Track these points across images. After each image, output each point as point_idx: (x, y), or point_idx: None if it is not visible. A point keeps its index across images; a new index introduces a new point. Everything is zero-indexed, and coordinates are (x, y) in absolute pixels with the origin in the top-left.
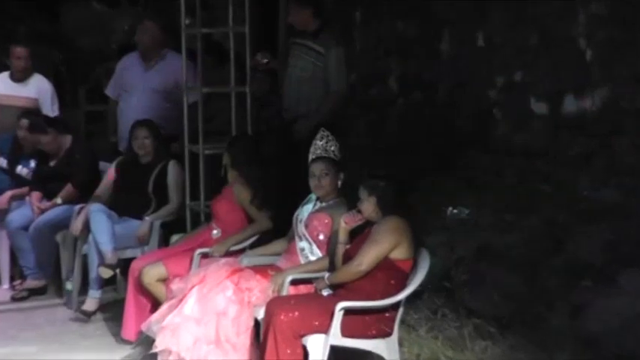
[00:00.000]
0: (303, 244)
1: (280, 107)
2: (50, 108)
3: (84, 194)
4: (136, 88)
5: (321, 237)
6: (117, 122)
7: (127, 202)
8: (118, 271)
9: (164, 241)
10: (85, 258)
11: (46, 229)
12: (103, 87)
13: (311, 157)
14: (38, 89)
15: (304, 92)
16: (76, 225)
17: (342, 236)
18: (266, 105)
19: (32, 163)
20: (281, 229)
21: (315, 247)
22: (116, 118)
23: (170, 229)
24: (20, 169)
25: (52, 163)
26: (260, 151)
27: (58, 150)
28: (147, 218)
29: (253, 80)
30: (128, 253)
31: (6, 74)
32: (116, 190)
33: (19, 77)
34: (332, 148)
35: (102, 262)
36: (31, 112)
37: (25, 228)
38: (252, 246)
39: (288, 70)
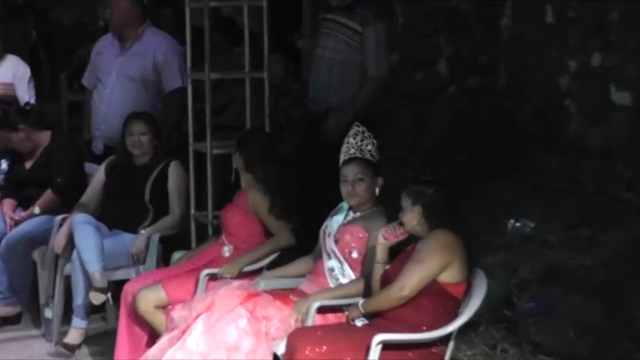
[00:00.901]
0: (332, 263)
1: (302, 96)
2: (27, 92)
3: (67, 202)
4: (109, 76)
5: (355, 255)
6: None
7: (118, 212)
8: (109, 295)
9: (164, 260)
10: (67, 280)
11: (20, 244)
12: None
13: (343, 157)
14: (14, 72)
15: (336, 79)
16: (58, 240)
17: (381, 254)
18: (284, 94)
19: (3, 165)
20: (305, 244)
21: (346, 266)
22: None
23: (171, 244)
24: None
25: (27, 165)
26: (278, 149)
27: (33, 149)
28: (143, 232)
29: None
30: (120, 275)
31: None
32: (106, 198)
33: None
34: (368, 147)
35: (89, 285)
36: (3, 102)
37: None
38: (271, 266)
39: (317, 52)
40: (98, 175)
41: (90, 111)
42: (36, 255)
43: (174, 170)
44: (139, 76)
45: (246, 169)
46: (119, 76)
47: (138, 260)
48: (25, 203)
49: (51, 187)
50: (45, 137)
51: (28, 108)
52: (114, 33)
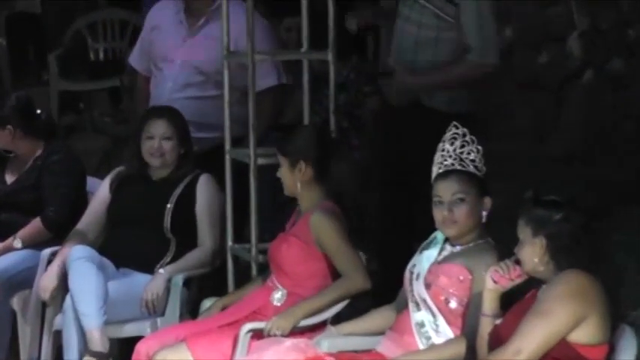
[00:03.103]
0: (421, 315)
1: (357, 86)
2: None
3: (59, 233)
4: (172, 65)
5: (453, 304)
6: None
7: (128, 244)
8: None
9: (190, 310)
10: (58, 336)
11: None
12: (89, 51)
13: (436, 170)
14: None
15: (423, 62)
16: (45, 282)
17: (489, 304)
18: (341, 88)
19: None
20: (385, 290)
21: (441, 320)
22: (146, 106)
23: (200, 288)
24: None
25: (8, 179)
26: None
27: (19, 160)
28: (161, 271)
29: None
30: (130, 330)
31: None
32: (111, 224)
33: None
34: (471, 157)
35: (84, 347)
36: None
37: None
38: (338, 319)
39: (398, 26)
40: (101, 192)
41: (143, 99)
42: (15, 302)
43: (204, 187)
44: (213, 68)
45: (319, 176)
46: (185, 67)
47: (154, 310)
48: (1, 232)
49: (40, 217)
50: (36, 147)
51: (21, 104)
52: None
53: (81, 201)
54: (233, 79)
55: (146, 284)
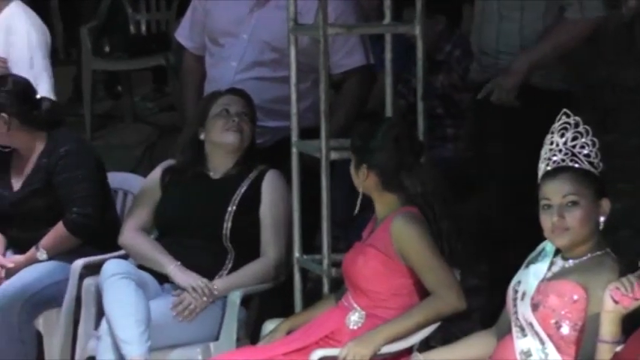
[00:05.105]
0: (527, 342)
1: (464, 65)
2: (28, 71)
3: (89, 240)
4: (237, 40)
5: (565, 329)
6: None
7: (177, 255)
8: None
9: (249, 334)
10: None
11: (15, 306)
12: (129, 24)
13: (543, 167)
14: (8, 37)
15: (507, 29)
16: (70, 299)
17: (609, 327)
18: (438, 67)
19: None
20: (483, 310)
21: (551, 347)
22: (196, 91)
23: (262, 308)
24: None
25: (15, 184)
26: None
27: (21, 158)
28: (215, 286)
29: None
30: (178, 357)
31: None
32: (157, 229)
33: None
34: (585, 151)
35: None
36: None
37: None
38: (427, 345)
39: None
40: (150, 186)
41: (193, 82)
42: (41, 324)
43: (272, 185)
44: (283, 43)
45: (384, 187)
46: (253, 42)
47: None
48: (20, 243)
49: (62, 220)
50: (37, 141)
51: (42, 101)
52: None
53: (106, 197)
54: (311, 58)
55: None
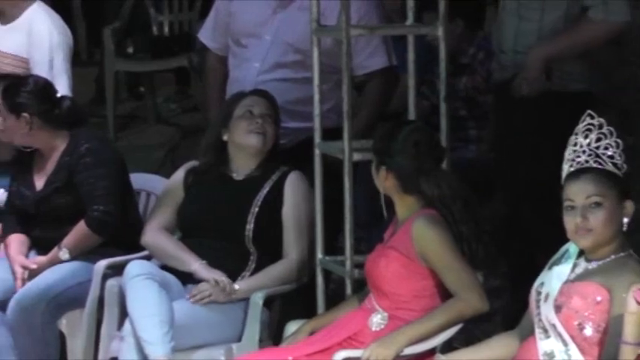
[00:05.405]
0: (550, 343)
1: (488, 66)
2: (48, 73)
3: (110, 239)
4: (261, 41)
5: (588, 330)
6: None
7: (201, 256)
8: None
9: (272, 335)
10: None
11: (39, 307)
12: (151, 24)
13: (567, 169)
14: (30, 38)
15: (526, 27)
16: (93, 300)
17: (632, 329)
18: (461, 70)
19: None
20: (505, 311)
21: (574, 349)
22: (219, 92)
23: (284, 309)
24: None
25: (37, 183)
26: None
27: (42, 157)
28: (237, 286)
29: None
30: (200, 358)
31: None
32: (180, 230)
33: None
34: (609, 152)
35: None
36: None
37: (0, 305)
38: (449, 347)
39: None
40: (173, 187)
41: (216, 83)
42: (64, 324)
43: (294, 186)
44: (305, 45)
45: (403, 190)
46: (276, 43)
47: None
48: (43, 243)
49: (84, 219)
50: (59, 140)
51: (63, 100)
52: None
53: (128, 197)
54: (334, 59)
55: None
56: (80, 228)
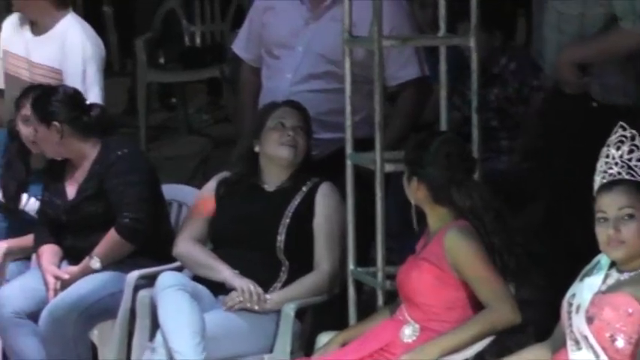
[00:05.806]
0: (582, 355)
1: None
2: (80, 84)
3: (142, 249)
4: (293, 52)
5: (620, 342)
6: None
7: (232, 267)
8: None
9: (304, 346)
10: None
11: (70, 318)
12: (184, 35)
13: (599, 180)
14: (63, 49)
15: (567, 41)
16: (125, 310)
17: None
18: (493, 81)
19: (31, 202)
20: (538, 324)
21: None
22: (253, 103)
23: (316, 320)
24: (27, 202)
25: (69, 193)
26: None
27: (73, 167)
28: (269, 297)
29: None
30: None
31: (18, 19)
32: (212, 241)
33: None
34: None
35: None
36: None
37: (33, 316)
38: (482, 358)
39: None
40: (204, 198)
41: (249, 94)
42: (96, 335)
43: (326, 197)
44: (337, 55)
45: (435, 201)
46: (309, 54)
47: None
48: (74, 253)
49: (115, 226)
50: (89, 148)
51: (92, 108)
52: None
53: (160, 207)
54: (366, 69)
55: (253, 316)
56: (111, 236)
